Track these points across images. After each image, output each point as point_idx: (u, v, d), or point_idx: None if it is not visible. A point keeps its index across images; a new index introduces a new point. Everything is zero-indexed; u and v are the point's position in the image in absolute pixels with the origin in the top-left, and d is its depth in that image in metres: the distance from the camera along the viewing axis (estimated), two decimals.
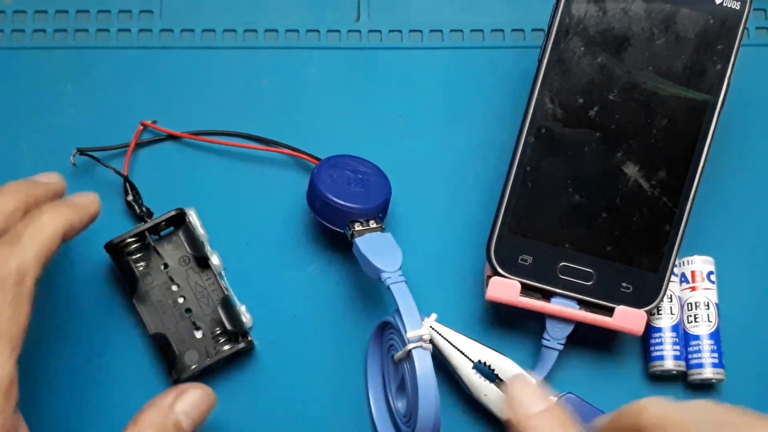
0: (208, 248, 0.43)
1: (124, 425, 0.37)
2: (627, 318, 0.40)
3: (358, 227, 0.41)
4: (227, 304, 0.42)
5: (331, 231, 0.42)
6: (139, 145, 0.45)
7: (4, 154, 0.45)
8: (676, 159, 0.40)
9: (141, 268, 0.42)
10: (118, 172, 0.43)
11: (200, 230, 0.43)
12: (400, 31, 0.48)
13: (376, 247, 0.40)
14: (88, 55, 0.47)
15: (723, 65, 0.40)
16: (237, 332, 0.41)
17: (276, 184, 0.45)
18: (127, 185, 0.43)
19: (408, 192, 0.44)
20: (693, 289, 0.42)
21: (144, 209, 0.43)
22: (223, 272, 0.43)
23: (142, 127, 0.44)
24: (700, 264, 0.43)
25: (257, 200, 0.45)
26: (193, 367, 0.41)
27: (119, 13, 0.47)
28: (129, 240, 0.42)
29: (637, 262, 0.40)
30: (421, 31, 0.48)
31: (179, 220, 0.43)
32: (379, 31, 0.48)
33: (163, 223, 0.42)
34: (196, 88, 0.46)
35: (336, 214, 0.41)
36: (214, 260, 0.42)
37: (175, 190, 0.44)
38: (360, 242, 0.40)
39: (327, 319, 0.43)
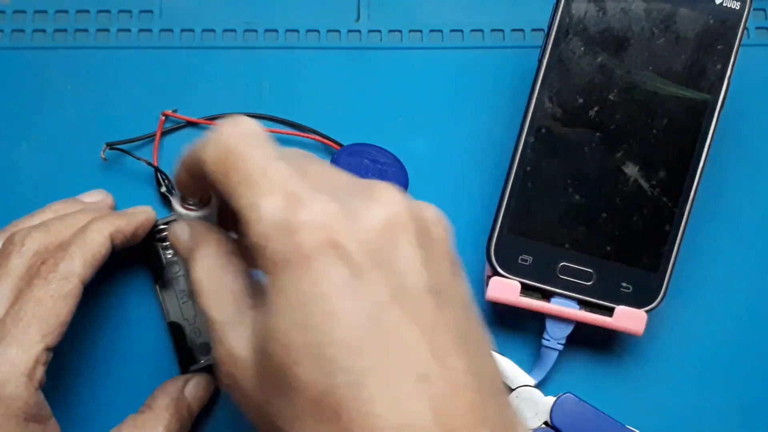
0: None
1: (129, 405, 0.38)
2: (627, 318, 0.40)
3: None
4: None
5: None
6: (161, 134, 0.45)
7: (4, 154, 0.45)
8: (676, 159, 0.40)
9: (169, 256, 0.42)
10: (149, 163, 0.44)
11: None
12: (400, 31, 0.48)
13: None
14: (88, 55, 0.47)
15: (723, 65, 0.40)
16: None
17: None
18: (159, 176, 0.44)
19: (407, 192, 0.44)
20: None
21: None
22: None
23: (164, 118, 0.45)
24: None
25: None
26: (203, 361, 0.41)
27: (119, 13, 0.47)
28: (162, 227, 0.42)
29: (637, 262, 0.40)
30: (421, 31, 0.48)
31: None
32: (379, 31, 0.48)
33: None
34: (196, 88, 0.46)
35: None
36: None
37: None
38: None
39: None
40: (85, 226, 0.37)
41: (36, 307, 0.34)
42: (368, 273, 0.26)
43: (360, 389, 0.25)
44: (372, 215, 0.27)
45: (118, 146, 0.44)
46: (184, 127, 0.45)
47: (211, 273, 0.30)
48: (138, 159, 0.44)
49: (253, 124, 0.30)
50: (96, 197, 0.42)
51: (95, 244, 0.37)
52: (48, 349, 0.34)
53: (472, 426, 0.26)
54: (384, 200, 0.28)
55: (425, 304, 0.27)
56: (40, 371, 0.34)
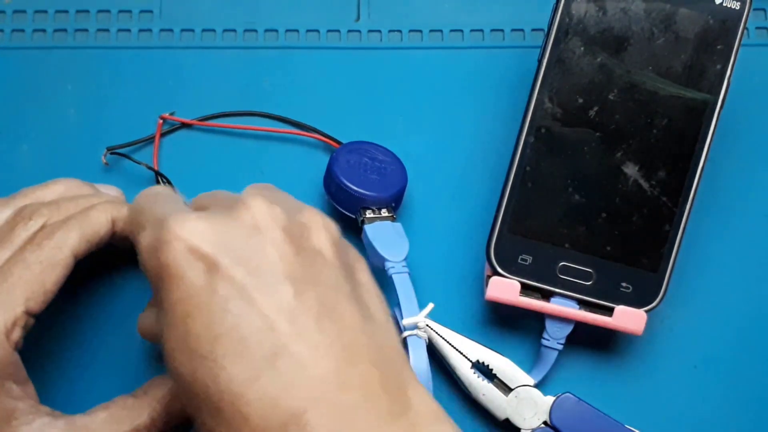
0: None
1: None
2: (627, 318, 0.40)
3: (369, 214, 0.41)
4: None
5: (346, 216, 0.42)
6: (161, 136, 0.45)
7: (4, 154, 0.45)
8: (676, 159, 0.40)
9: None
10: (149, 167, 0.44)
11: None
12: (400, 31, 0.48)
13: (384, 235, 0.40)
14: (88, 55, 0.47)
15: (723, 65, 0.40)
16: None
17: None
18: (160, 179, 0.44)
19: (407, 192, 0.44)
20: None
21: None
22: None
23: (162, 121, 0.45)
24: None
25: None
26: None
27: (119, 13, 0.48)
28: None
29: (637, 262, 0.40)
30: (421, 31, 0.48)
31: None
32: (379, 31, 0.48)
33: None
34: (195, 89, 0.46)
35: (349, 199, 0.41)
36: None
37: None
38: (369, 229, 0.40)
39: None
40: (91, 205, 0.38)
41: (23, 270, 0.34)
42: (226, 269, 0.29)
43: (219, 373, 0.28)
44: (235, 220, 0.31)
45: (118, 151, 0.44)
46: (180, 128, 0.45)
47: None
48: (138, 163, 0.44)
49: (157, 188, 0.36)
50: (110, 191, 0.42)
51: (96, 222, 0.37)
52: (29, 313, 0.34)
53: (334, 391, 0.28)
54: (250, 208, 0.31)
55: (282, 291, 0.29)
56: (18, 333, 0.34)
